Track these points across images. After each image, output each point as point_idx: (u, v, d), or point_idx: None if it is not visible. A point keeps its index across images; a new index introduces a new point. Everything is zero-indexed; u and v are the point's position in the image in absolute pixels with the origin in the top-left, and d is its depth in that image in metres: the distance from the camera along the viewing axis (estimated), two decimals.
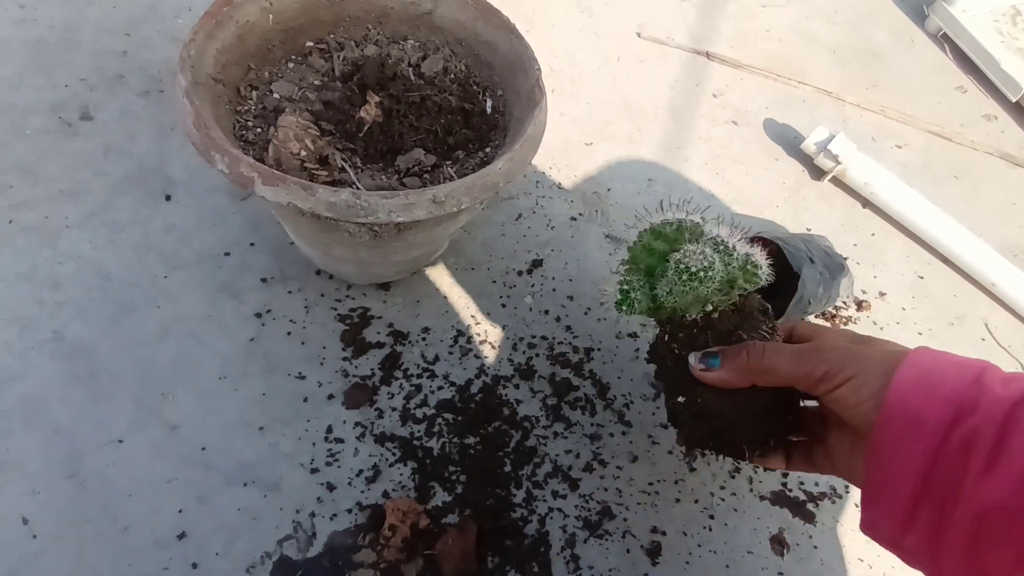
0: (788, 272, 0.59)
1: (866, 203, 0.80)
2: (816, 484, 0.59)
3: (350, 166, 0.51)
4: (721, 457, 0.59)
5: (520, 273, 0.66)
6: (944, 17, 0.98)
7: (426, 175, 0.52)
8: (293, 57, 0.58)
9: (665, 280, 0.44)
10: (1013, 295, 0.74)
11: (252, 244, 0.62)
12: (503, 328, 0.63)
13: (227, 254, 0.61)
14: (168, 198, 0.63)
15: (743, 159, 0.81)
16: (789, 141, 0.83)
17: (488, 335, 0.62)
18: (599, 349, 0.63)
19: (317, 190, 0.43)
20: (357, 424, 0.55)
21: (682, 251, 0.43)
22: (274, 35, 0.55)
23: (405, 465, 0.54)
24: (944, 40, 1.00)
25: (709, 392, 0.44)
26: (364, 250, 0.53)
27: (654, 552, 0.54)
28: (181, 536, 0.49)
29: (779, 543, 0.56)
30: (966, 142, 0.89)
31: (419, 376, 0.59)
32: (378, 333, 0.60)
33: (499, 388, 0.59)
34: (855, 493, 0.60)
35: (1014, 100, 0.93)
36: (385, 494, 0.53)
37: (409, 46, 0.60)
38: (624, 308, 0.46)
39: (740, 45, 0.92)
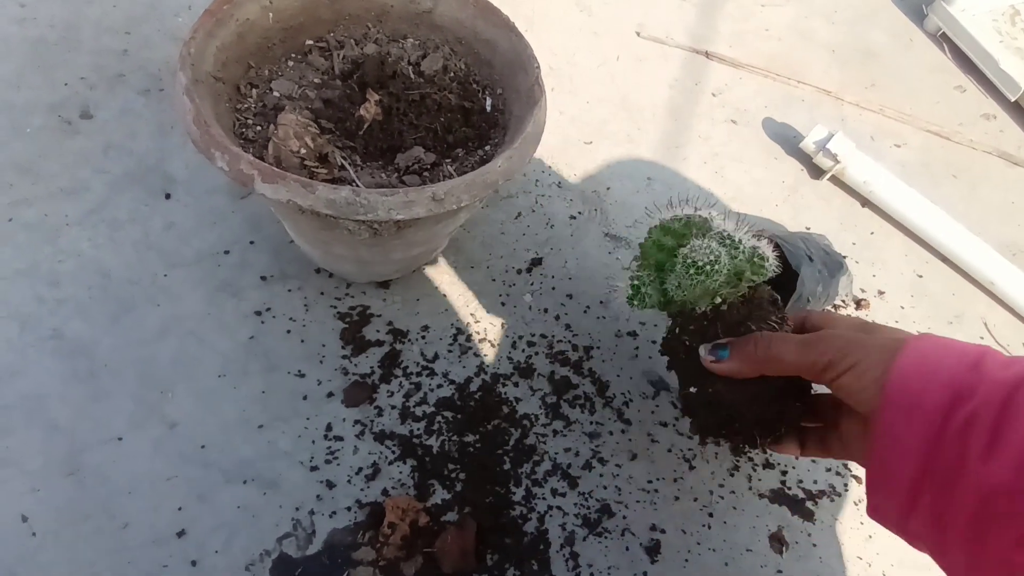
0: (787, 270, 0.59)
1: (865, 202, 0.80)
2: (815, 482, 0.60)
3: (350, 164, 0.51)
4: (719, 456, 0.59)
5: (519, 271, 0.66)
6: (943, 17, 0.98)
7: (426, 173, 0.52)
8: (293, 55, 0.58)
9: (674, 275, 0.46)
10: (1012, 294, 0.74)
11: (252, 242, 0.62)
12: (502, 326, 0.63)
13: (227, 252, 0.61)
14: (168, 196, 0.64)
15: (742, 158, 0.81)
16: (788, 140, 0.84)
17: (487, 333, 0.62)
18: (598, 347, 0.63)
19: (317, 187, 0.43)
20: (356, 422, 0.55)
21: (689, 246, 0.45)
22: (274, 33, 0.55)
23: (404, 463, 0.54)
24: (943, 40, 1.00)
25: (720, 382, 0.45)
26: (364, 248, 0.53)
27: (653, 550, 0.54)
28: (180, 534, 0.49)
29: (778, 541, 0.56)
30: (965, 141, 0.89)
31: (418, 374, 0.59)
32: (377, 331, 0.60)
33: (498, 386, 0.59)
34: (854, 491, 0.60)
35: (1013, 99, 0.93)
36: (384, 492, 0.53)
37: (409, 44, 0.60)
38: (635, 303, 0.48)
39: (739, 44, 0.92)
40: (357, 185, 0.49)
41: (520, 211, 0.70)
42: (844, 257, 0.65)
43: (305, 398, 0.56)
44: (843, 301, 0.71)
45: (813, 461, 0.61)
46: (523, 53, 0.55)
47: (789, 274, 0.59)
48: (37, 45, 0.70)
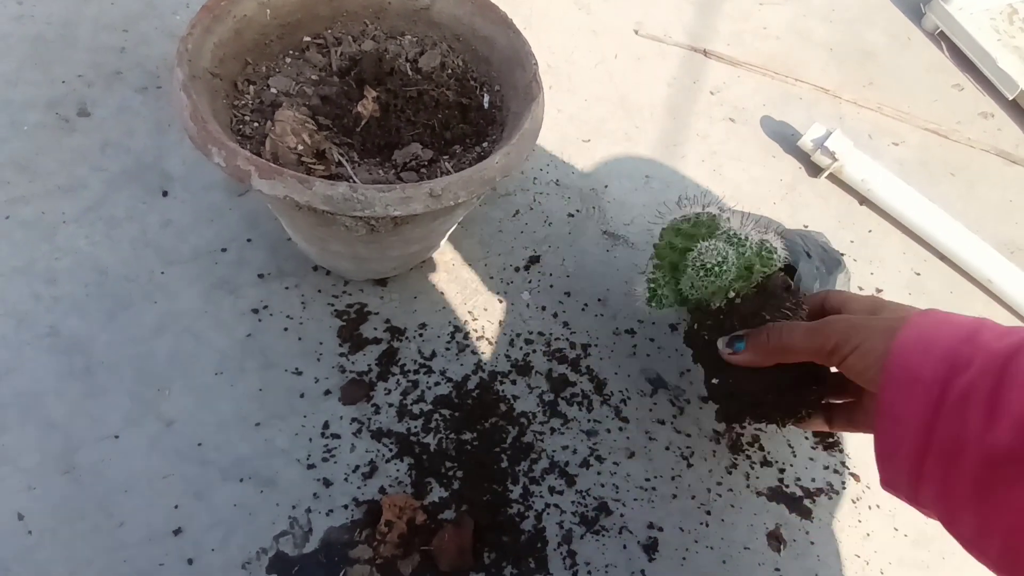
0: (785, 267, 0.59)
1: (863, 200, 0.80)
2: (813, 480, 0.60)
3: (347, 160, 0.50)
4: (717, 454, 0.59)
5: (517, 269, 0.66)
6: (941, 15, 0.98)
7: (423, 169, 0.52)
8: (290, 52, 0.57)
9: (686, 276, 0.49)
10: (1010, 292, 0.74)
11: (249, 240, 0.62)
12: (500, 324, 0.63)
13: (224, 250, 0.61)
14: (165, 194, 0.63)
15: (740, 156, 0.81)
16: (786, 138, 0.84)
17: (485, 331, 0.62)
18: (596, 345, 0.63)
19: (314, 183, 0.43)
20: (354, 420, 0.55)
21: (697, 249, 0.47)
22: (271, 30, 0.55)
23: (402, 461, 0.54)
24: (941, 38, 1.00)
25: (739, 372, 0.48)
26: (361, 245, 0.53)
27: (651, 548, 0.54)
28: (177, 532, 0.49)
29: (776, 539, 0.56)
30: (963, 139, 0.89)
31: (416, 372, 0.59)
32: (375, 329, 0.60)
33: (496, 384, 0.59)
34: (852, 489, 0.60)
35: (1011, 98, 0.93)
36: (381, 490, 0.53)
37: (407, 41, 0.60)
38: (653, 304, 0.52)
39: (737, 43, 0.92)
40: (354, 181, 0.49)
41: (518, 209, 0.70)
42: (842, 255, 0.65)
43: (302, 396, 0.56)
44: None
45: (811, 460, 0.61)
46: (521, 50, 0.55)
47: (787, 270, 0.59)
48: (35, 42, 0.70)
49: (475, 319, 0.62)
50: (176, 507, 0.50)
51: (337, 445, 0.54)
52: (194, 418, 0.53)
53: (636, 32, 0.89)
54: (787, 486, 0.59)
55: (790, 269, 0.59)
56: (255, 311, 0.59)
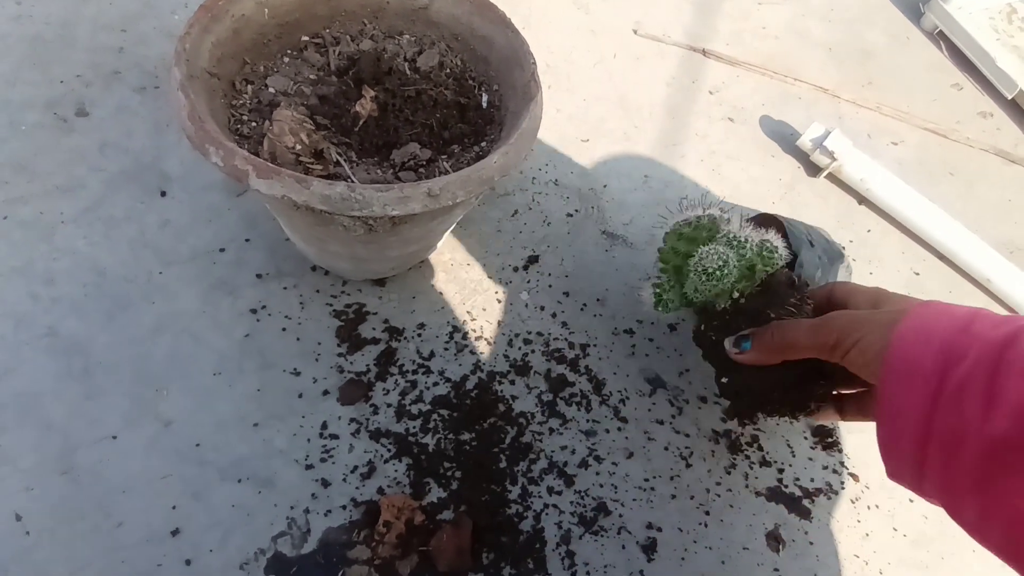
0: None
1: (862, 200, 0.80)
2: (811, 480, 0.59)
3: (345, 160, 0.50)
4: (716, 454, 0.59)
5: (516, 269, 0.66)
6: (940, 15, 0.98)
7: (421, 169, 0.52)
8: (288, 51, 0.57)
9: (689, 280, 0.50)
10: (1009, 291, 0.74)
11: (247, 240, 0.62)
12: (499, 324, 0.63)
13: (222, 250, 0.61)
14: (163, 194, 0.63)
15: (739, 156, 0.81)
16: (785, 138, 0.83)
17: (484, 331, 0.62)
18: (595, 345, 0.63)
19: (312, 183, 0.43)
20: (352, 420, 0.55)
21: (698, 254, 0.48)
22: (270, 29, 0.55)
23: (400, 461, 0.54)
24: (940, 38, 1.00)
25: (747, 371, 0.49)
26: (359, 245, 0.53)
27: (650, 548, 0.54)
28: (175, 532, 0.49)
29: (775, 539, 0.56)
30: (962, 139, 0.89)
31: (414, 372, 0.58)
32: (373, 329, 0.60)
33: (494, 384, 0.59)
34: (850, 489, 0.60)
35: (1009, 97, 0.93)
36: (380, 490, 0.53)
37: (405, 41, 0.60)
38: (660, 308, 0.53)
39: (736, 43, 0.92)
40: (352, 181, 0.49)
41: (517, 209, 0.70)
42: (843, 247, 0.65)
43: (300, 396, 0.56)
44: None
45: (811, 459, 0.61)
46: (519, 49, 0.55)
47: (788, 264, 0.59)
48: (33, 42, 0.70)
49: (474, 319, 0.62)
50: (174, 508, 0.50)
51: (335, 445, 0.54)
52: (192, 419, 0.53)
53: (635, 32, 0.89)
54: (786, 486, 0.59)
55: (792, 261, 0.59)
56: (253, 311, 0.59)
